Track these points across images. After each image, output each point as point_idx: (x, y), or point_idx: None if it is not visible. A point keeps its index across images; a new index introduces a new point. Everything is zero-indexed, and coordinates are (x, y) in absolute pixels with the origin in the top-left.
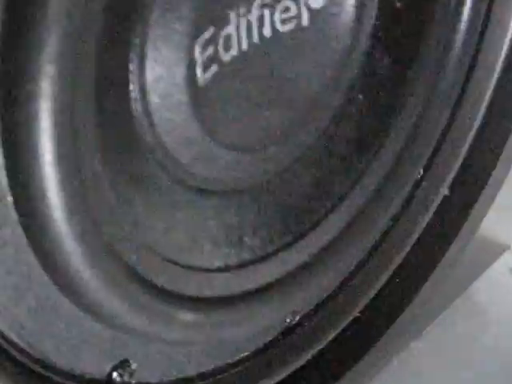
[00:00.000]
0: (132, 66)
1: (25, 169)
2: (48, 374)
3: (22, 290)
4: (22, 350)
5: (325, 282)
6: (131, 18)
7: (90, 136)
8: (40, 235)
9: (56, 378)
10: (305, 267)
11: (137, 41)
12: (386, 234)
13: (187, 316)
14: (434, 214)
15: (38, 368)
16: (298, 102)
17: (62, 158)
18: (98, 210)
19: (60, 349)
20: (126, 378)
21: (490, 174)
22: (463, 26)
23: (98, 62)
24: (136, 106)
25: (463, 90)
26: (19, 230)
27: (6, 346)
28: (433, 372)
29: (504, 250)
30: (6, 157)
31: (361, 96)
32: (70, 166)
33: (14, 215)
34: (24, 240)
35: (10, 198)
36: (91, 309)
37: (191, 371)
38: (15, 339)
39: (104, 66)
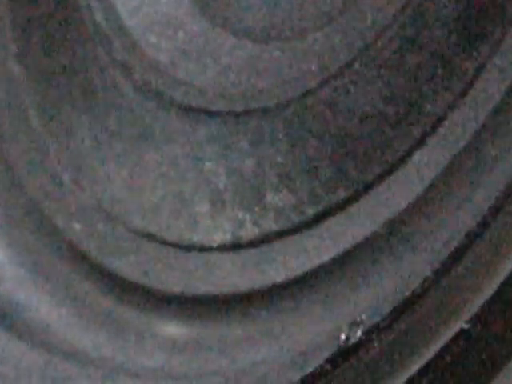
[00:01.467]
0: None
1: None
2: None
3: None
4: None
5: (406, 270)
6: None
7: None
8: None
9: None
10: (372, 244)
11: None
12: (508, 192)
13: (174, 329)
14: None
15: None
16: None
17: None
18: (15, 143)
19: None
20: None
21: None
22: None
23: None
24: None
25: None
26: None
27: None
28: None
29: None
30: None
31: None
32: None
33: None
34: None
35: None
36: (8, 316)
37: None
38: None
39: None
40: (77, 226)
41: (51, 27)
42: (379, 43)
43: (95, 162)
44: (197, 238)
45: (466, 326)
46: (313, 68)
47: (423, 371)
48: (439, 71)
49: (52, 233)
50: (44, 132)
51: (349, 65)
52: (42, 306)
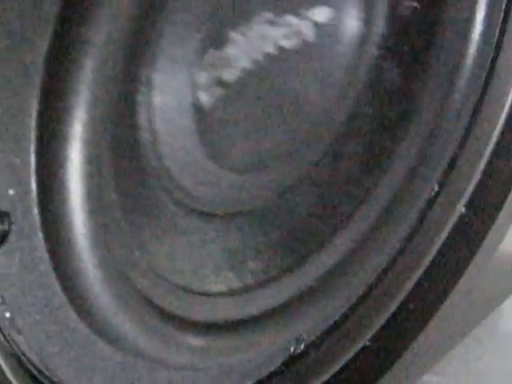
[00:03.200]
0: (140, 97)
1: (56, 202)
2: None
3: (43, 314)
4: (40, 372)
5: (331, 307)
6: (139, 54)
7: (106, 167)
8: (65, 262)
9: None
10: (310, 292)
11: (144, 73)
12: (396, 256)
13: (194, 341)
14: (449, 233)
15: None
16: (302, 120)
17: (88, 194)
18: (113, 237)
19: (74, 373)
20: None
21: (508, 189)
22: (476, 34)
23: (111, 101)
24: (144, 135)
25: (479, 101)
26: (45, 257)
27: (28, 365)
28: None
29: None
30: (39, 193)
31: (368, 110)
32: (94, 199)
33: (42, 243)
34: (48, 266)
35: (40, 229)
36: (105, 332)
37: None
38: (36, 361)
39: (116, 101)
40: (143, 282)
41: (131, 172)
42: (313, 171)
43: (152, 246)
44: (206, 288)
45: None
46: (274, 187)
47: (339, 372)
48: (348, 187)
49: (132, 287)
50: (127, 230)
51: (294, 185)
52: (126, 327)
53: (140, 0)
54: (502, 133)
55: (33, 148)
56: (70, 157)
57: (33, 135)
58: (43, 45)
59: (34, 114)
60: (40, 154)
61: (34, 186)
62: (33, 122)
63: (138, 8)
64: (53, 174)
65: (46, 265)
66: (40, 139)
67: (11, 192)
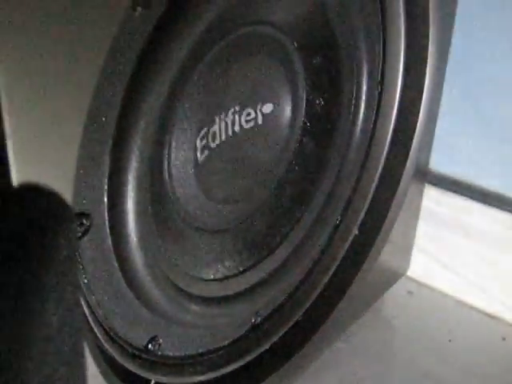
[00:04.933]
0: (165, 154)
1: (118, 212)
2: (115, 339)
3: (106, 283)
4: (101, 323)
5: (277, 294)
6: (164, 128)
7: (147, 195)
8: (121, 250)
9: (119, 342)
10: (264, 282)
11: (167, 140)
12: (317, 261)
13: (195, 308)
14: (349, 246)
15: (111, 334)
16: (256, 172)
17: (137, 209)
18: (149, 236)
19: (122, 324)
20: (156, 349)
21: (384, 218)
22: (357, 132)
23: (150, 155)
24: (166, 175)
25: (362, 167)
26: (110, 245)
27: (98, 317)
28: (353, 364)
29: (401, 276)
30: (108, 206)
31: (296, 167)
32: (140, 213)
33: (108, 236)
34: (112, 252)
35: (109, 239)
36: (143, 298)
37: (193, 351)
38: (100, 315)
39: (152, 156)
40: (168, 271)
41: (159, 199)
42: (264, 206)
43: (171, 248)
44: (202, 276)
45: (300, 318)
46: (239, 215)
47: (283, 336)
48: (285, 216)
49: (162, 273)
50: (158, 238)
51: (252, 214)
52: (158, 297)
53: (168, 99)
54: (377, 186)
55: (107, 176)
56: (127, 187)
57: (106, 170)
58: (117, 108)
59: (108, 155)
60: (110, 183)
61: (105, 201)
62: (107, 159)
63: (166, 104)
64: (117, 196)
65: (110, 250)
66: (110, 174)
67: (93, 204)
